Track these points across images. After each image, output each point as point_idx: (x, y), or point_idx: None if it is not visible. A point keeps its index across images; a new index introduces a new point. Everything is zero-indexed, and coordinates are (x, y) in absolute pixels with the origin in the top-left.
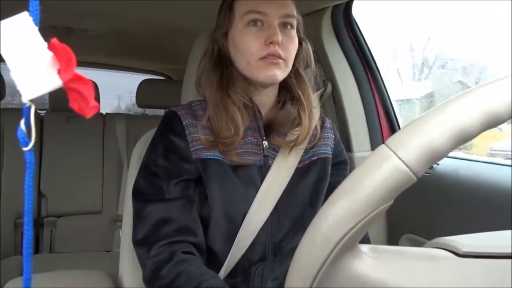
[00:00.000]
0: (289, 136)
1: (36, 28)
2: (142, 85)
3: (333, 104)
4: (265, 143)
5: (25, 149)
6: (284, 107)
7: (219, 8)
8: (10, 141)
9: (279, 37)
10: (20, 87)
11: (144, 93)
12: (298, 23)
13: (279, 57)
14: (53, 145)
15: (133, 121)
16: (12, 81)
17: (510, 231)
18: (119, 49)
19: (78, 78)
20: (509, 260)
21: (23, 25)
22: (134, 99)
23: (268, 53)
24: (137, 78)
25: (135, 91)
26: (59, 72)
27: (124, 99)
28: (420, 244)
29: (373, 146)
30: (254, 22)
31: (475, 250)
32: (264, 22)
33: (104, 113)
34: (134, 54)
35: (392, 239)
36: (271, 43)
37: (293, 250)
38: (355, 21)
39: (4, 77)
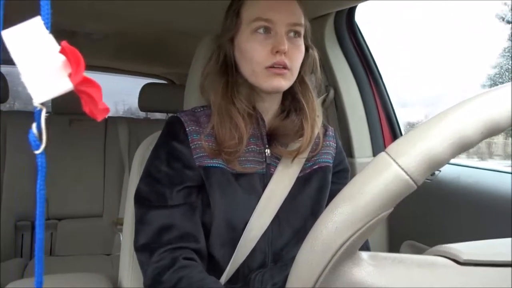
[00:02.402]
0: (291, 146)
1: (48, 32)
2: (145, 89)
3: (335, 109)
4: (268, 151)
5: (36, 152)
6: (288, 117)
7: (225, 13)
8: (12, 144)
9: (286, 46)
10: (31, 90)
11: (146, 97)
12: (306, 31)
13: (285, 66)
14: (55, 148)
15: (135, 125)
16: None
17: (510, 239)
18: (122, 52)
19: (87, 81)
20: (509, 269)
21: (35, 30)
22: (128, 105)
23: (274, 62)
24: (133, 82)
25: (130, 96)
26: (69, 75)
27: (119, 104)
28: (421, 251)
29: (375, 152)
30: (261, 29)
31: (476, 258)
32: (271, 30)
33: (106, 117)
34: (137, 58)
35: (394, 245)
36: (277, 52)
37: (294, 259)
38: (357, 27)
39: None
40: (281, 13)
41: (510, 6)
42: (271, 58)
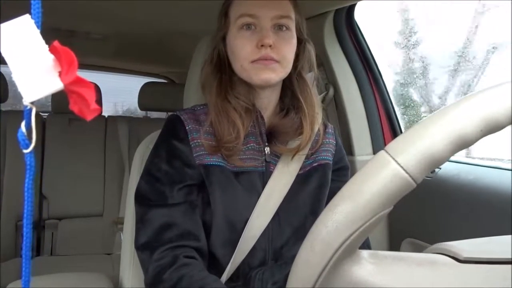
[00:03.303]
0: (290, 143)
1: (38, 31)
2: (145, 88)
3: (335, 107)
4: (267, 149)
5: (25, 151)
6: (288, 115)
7: (218, 14)
8: (12, 144)
9: (271, 40)
10: (21, 89)
11: (146, 96)
12: (298, 24)
13: (272, 60)
14: (55, 147)
15: (135, 124)
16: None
17: (510, 236)
18: (122, 51)
19: (80, 81)
20: (509, 266)
21: (25, 28)
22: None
23: (260, 56)
24: (132, 81)
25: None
26: (60, 74)
27: (118, 105)
28: (422, 249)
29: (375, 150)
30: (247, 26)
31: (476, 256)
32: (257, 25)
33: (106, 116)
34: (137, 57)
35: (394, 243)
36: (262, 46)
37: (294, 257)
38: (357, 24)
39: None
40: (265, 8)
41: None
42: (257, 53)
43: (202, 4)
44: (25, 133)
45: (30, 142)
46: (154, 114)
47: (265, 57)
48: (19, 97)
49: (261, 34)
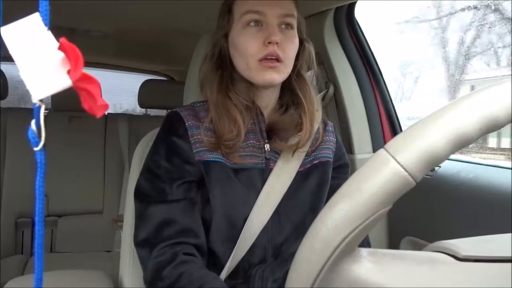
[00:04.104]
0: (290, 140)
1: (46, 29)
2: (145, 85)
3: (335, 106)
4: (267, 146)
5: (36, 149)
6: (287, 111)
7: (219, 10)
8: (12, 141)
9: (278, 37)
10: (30, 87)
11: (146, 93)
12: (299, 23)
13: (278, 58)
14: (55, 145)
15: (135, 121)
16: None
17: (510, 234)
18: (122, 49)
19: (87, 78)
20: (509, 264)
21: (34, 26)
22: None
23: (267, 53)
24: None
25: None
26: (68, 72)
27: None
28: (421, 247)
29: (375, 148)
30: (253, 22)
31: (475, 254)
32: (263, 23)
33: (106, 113)
34: (137, 55)
35: (393, 242)
36: (269, 43)
37: (294, 254)
38: (357, 23)
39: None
40: (271, 5)
41: None
42: (264, 50)
43: (202, 2)
44: (36, 131)
45: (40, 140)
46: (153, 112)
47: (272, 54)
48: (22, 96)
49: (267, 32)
